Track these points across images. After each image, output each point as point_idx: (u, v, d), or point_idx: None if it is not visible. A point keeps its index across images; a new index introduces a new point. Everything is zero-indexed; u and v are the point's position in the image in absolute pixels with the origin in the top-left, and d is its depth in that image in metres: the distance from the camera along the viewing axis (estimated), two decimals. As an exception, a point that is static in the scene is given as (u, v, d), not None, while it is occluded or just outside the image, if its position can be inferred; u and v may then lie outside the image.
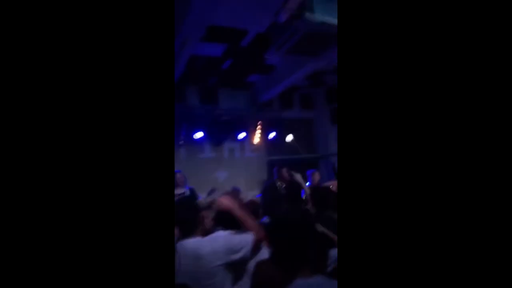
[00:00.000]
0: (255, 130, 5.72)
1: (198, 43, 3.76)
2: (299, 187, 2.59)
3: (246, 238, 1.55)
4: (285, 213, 1.47)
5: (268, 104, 5.75)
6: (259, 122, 5.69)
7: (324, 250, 1.09)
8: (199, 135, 5.13)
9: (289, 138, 5.84)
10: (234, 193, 2.83)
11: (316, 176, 4.42)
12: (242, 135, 5.57)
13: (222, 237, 1.58)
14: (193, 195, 3.73)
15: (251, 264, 1.55)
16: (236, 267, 1.55)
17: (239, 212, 1.63)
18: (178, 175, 3.73)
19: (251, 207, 1.93)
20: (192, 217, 1.65)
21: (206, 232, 1.71)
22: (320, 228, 1.28)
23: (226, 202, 1.68)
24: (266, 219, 2.20)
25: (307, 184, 4.20)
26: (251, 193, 4.44)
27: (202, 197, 3.48)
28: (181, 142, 4.03)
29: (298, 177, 2.75)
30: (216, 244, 1.53)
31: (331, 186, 2.75)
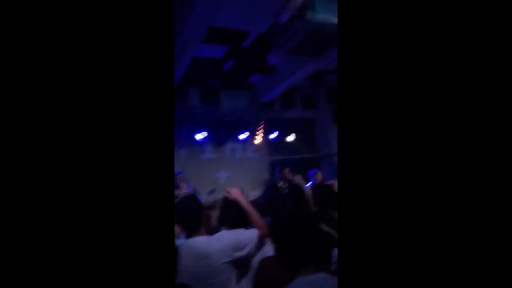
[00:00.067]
0: (256, 130, 5.73)
1: (200, 44, 3.77)
2: (300, 187, 2.59)
3: (251, 234, 1.56)
4: (288, 212, 1.47)
5: (270, 105, 5.76)
6: (261, 122, 5.69)
7: (328, 249, 1.09)
8: (202, 135, 5.13)
9: (291, 138, 5.85)
10: None
11: (319, 176, 4.42)
12: (243, 136, 5.58)
13: (227, 235, 1.58)
14: (196, 195, 3.74)
15: (255, 261, 1.55)
16: (241, 264, 1.55)
17: (246, 205, 1.64)
18: (179, 176, 3.73)
19: (254, 207, 1.93)
20: (196, 217, 1.66)
21: (210, 231, 1.72)
22: (324, 227, 1.29)
23: (235, 192, 1.69)
24: (267, 220, 2.20)
25: (310, 183, 4.20)
26: (253, 194, 4.45)
27: (204, 198, 3.49)
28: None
29: (298, 178, 2.76)
30: (221, 242, 1.53)
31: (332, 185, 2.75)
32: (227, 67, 4.63)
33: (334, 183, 3.05)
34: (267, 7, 3.08)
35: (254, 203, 2.13)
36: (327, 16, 3.01)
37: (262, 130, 5.69)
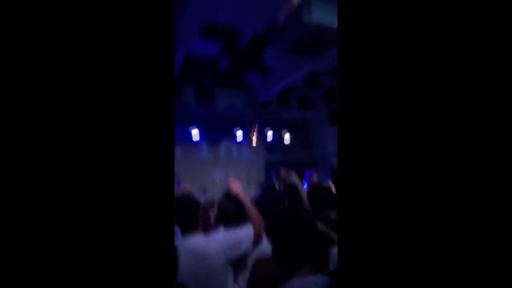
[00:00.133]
0: (252, 131, 5.72)
1: (195, 42, 3.76)
2: (295, 185, 2.59)
3: (247, 232, 1.55)
4: (286, 212, 1.47)
5: (266, 105, 5.76)
6: (256, 123, 5.69)
7: (325, 249, 1.09)
8: (194, 132, 5.10)
9: (287, 138, 5.86)
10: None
11: (314, 177, 4.43)
12: (239, 135, 5.57)
13: (224, 235, 1.58)
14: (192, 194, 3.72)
15: (251, 259, 1.55)
16: (238, 263, 1.55)
17: (245, 199, 1.65)
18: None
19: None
20: (193, 216, 1.65)
21: (208, 230, 1.71)
22: (321, 226, 1.28)
23: (236, 186, 1.70)
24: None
25: (305, 183, 4.21)
26: (249, 194, 4.44)
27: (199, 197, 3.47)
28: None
29: (293, 176, 2.75)
30: (219, 242, 1.53)
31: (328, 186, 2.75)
32: (223, 67, 4.62)
33: (330, 184, 3.06)
34: (264, 6, 3.08)
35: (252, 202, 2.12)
36: (324, 17, 3.02)
37: (255, 132, 5.69)
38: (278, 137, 5.84)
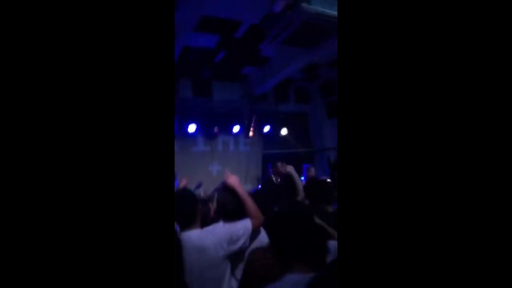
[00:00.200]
0: (250, 124, 5.69)
1: (191, 34, 3.69)
2: (292, 177, 2.58)
3: (245, 226, 1.56)
4: (283, 206, 1.46)
5: (263, 97, 5.71)
6: (254, 117, 5.66)
7: (322, 242, 1.08)
8: (192, 127, 5.08)
9: (284, 131, 5.83)
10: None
11: (311, 171, 4.42)
12: (236, 128, 5.53)
13: (221, 229, 1.59)
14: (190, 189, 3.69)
15: (248, 251, 1.55)
16: (236, 257, 1.56)
17: (242, 192, 1.66)
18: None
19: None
20: (191, 210, 1.65)
21: (206, 224, 1.71)
22: (318, 220, 1.27)
23: (233, 179, 1.71)
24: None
25: (302, 178, 4.20)
26: (246, 187, 4.43)
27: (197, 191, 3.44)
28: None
29: (290, 168, 2.74)
30: (216, 236, 1.54)
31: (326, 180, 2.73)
32: (219, 58, 4.55)
33: (327, 179, 3.04)
34: (261, -4, 3.02)
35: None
36: (322, 7, 2.96)
37: (252, 125, 5.66)
38: (275, 130, 5.80)
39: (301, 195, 2.43)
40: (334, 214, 2.10)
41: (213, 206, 1.96)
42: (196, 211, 1.67)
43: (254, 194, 2.07)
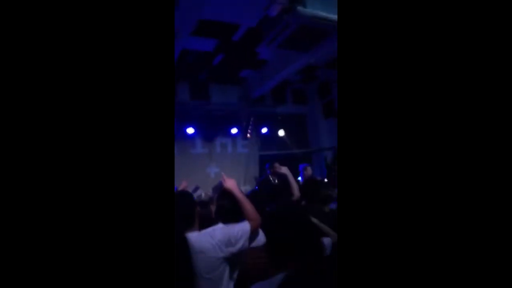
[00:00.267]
0: (247, 125, 5.71)
1: (189, 37, 3.72)
2: (286, 178, 2.60)
3: (243, 229, 1.57)
4: (280, 206, 1.47)
5: (261, 99, 5.74)
6: (251, 118, 5.68)
7: (316, 240, 1.10)
8: (190, 130, 5.10)
9: (281, 133, 5.86)
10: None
11: (308, 171, 4.44)
12: (234, 130, 5.56)
13: (220, 231, 1.59)
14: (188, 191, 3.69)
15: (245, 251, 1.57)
16: (234, 259, 1.56)
17: (240, 195, 1.67)
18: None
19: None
20: (189, 213, 1.66)
21: (204, 227, 1.72)
22: (312, 219, 1.29)
23: (230, 182, 1.73)
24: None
25: (299, 178, 4.22)
26: (243, 189, 4.44)
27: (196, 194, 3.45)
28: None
29: (285, 169, 2.76)
30: (215, 238, 1.54)
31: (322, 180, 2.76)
32: (217, 61, 4.58)
33: (323, 179, 3.06)
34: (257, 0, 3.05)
35: (247, 197, 2.14)
36: (318, 10, 3.00)
37: (250, 127, 5.68)
38: (273, 131, 5.83)
39: (296, 195, 2.45)
40: (331, 213, 2.13)
41: (214, 208, 1.97)
42: (194, 213, 1.67)
43: (251, 195, 2.09)
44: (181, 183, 2.68)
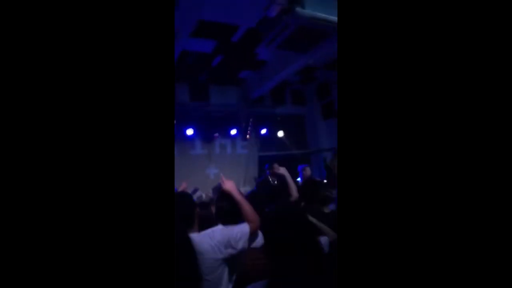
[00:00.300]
0: (247, 126, 5.72)
1: (188, 38, 3.73)
2: (284, 178, 2.60)
3: (243, 230, 1.57)
4: (278, 207, 1.47)
5: (260, 100, 5.75)
6: (251, 119, 5.69)
7: (314, 240, 1.10)
8: (189, 131, 5.11)
9: (281, 134, 5.86)
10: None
11: (307, 171, 4.45)
12: (233, 131, 5.56)
13: (219, 232, 1.60)
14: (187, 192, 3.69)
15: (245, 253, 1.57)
16: (233, 261, 1.57)
17: (239, 197, 1.67)
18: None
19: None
20: (189, 214, 1.66)
21: (204, 228, 1.73)
22: (310, 219, 1.29)
23: (229, 184, 1.73)
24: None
25: (299, 179, 4.22)
26: (243, 189, 4.44)
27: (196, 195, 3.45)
28: None
29: (283, 170, 2.76)
30: (214, 239, 1.55)
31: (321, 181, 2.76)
32: (216, 62, 4.59)
33: (322, 180, 3.07)
34: (256, 0, 3.06)
35: (246, 198, 2.14)
36: (317, 10, 3.01)
37: (249, 128, 5.69)
38: (272, 132, 5.84)
39: (294, 195, 2.45)
40: (330, 214, 2.13)
41: (214, 209, 1.97)
42: (193, 215, 1.67)
43: (250, 196, 2.09)
44: (181, 184, 2.67)
